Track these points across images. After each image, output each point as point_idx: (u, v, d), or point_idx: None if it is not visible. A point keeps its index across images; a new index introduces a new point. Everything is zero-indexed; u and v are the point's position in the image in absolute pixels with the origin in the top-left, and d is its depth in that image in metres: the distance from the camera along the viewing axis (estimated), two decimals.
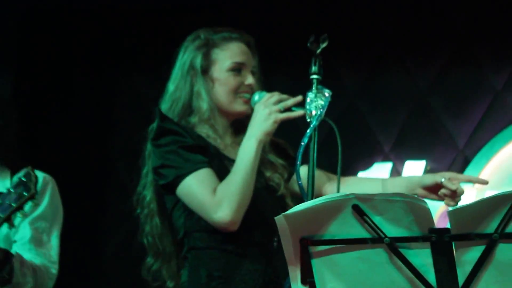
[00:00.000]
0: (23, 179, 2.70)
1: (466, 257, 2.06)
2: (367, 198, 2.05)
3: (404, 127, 5.30)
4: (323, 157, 5.28)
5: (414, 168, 5.19)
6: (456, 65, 5.23)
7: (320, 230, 2.09)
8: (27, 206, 2.69)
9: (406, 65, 5.34)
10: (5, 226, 2.81)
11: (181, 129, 3.19)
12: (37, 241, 3.17)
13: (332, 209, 2.06)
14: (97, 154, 5.78)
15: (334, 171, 5.19)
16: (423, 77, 5.30)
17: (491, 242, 2.04)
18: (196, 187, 3.11)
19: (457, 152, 5.18)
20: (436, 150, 5.22)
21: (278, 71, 5.03)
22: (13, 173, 3.22)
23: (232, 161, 3.24)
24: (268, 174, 3.27)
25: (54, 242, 3.23)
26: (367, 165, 5.29)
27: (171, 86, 3.34)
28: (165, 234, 3.30)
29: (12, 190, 2.70)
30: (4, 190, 2.91)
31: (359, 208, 2.05)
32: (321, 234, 2.09)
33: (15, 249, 3.12)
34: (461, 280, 2.06)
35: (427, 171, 5.15)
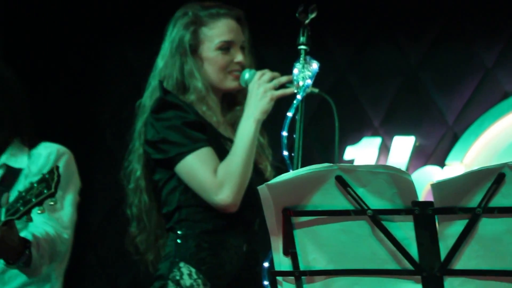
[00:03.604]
0: (47, 176, 2.82)
1: (449, 231, 2.04)
2: (351, 169, 2.04)
3: (393, 102, 5.30)
4: (311, 131, 5.35)
5: (403, 144, 5.19)
6: (447, 40, 5.23)
7: (303, 200, 2.07)
8: (46, 203, 2.81)
9: (396, 40, 5.33)
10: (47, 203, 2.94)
11: (184, 104, 3.19)
12: (49, 206, 3.09)
13: (315, 180, 2.05)
14: (85, 122, 5.77)
15: (322, 144, 5.25)
16: (413, 52, 5.30)
17: (474, 216, 2.02)
18: (198, 167, 3.11)
19: (446, 128, 5.19)
20: (425, 126, 5.23)
21: (267, 42, 5.00)
22: (30, 149, 3.29)
23: (227, 139, 3.24)
24: (256, 156, 3.26)
25: (67, 208, 3.27)
26: (356, 140, 5.31)
27: (160, 62, 3.33)
28: (151, 208, 3.31)
29: (35, 185, 2.82)
30: (22, 166, 3.21)
31: (343, 179, 2.04)
32: (303, 205, 2.08)
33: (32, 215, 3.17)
34: (443, 253, 2.05)
35: (416, 146, 5.15)
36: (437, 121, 5.21)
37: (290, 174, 2.06)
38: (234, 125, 3.30)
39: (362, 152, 5.22)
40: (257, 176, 3.22)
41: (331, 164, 2.03)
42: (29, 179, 3.12)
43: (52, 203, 2.81)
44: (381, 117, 5.31)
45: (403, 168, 5.10)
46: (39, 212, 2.81)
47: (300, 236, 2.09)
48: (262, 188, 2.06)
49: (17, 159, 3.28)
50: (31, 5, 5.64)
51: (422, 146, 5.20)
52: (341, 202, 2.06)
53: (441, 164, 5.12)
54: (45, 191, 2.79)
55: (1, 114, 3.27)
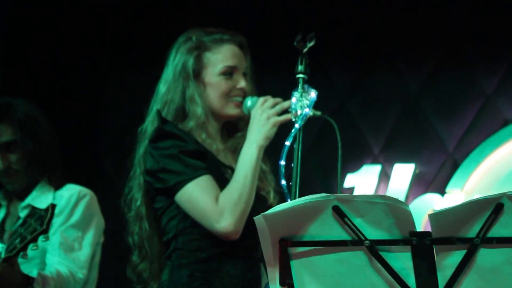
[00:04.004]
0: (42, 213, 2.96)
1: (447, 261, 2.03)
2: (348, 199, 2.02)
3: (393, 129, 5.29)
4: (312, 159, 5.33)
5: (403, 171, 5.18)
6: (447, 67, 5.23)
7: (300, 231, 2.05)
8: (40, 239, 2.95)
9: (396, 67, 5.32)
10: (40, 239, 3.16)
11: (182, 133, 3.17)
12: (66, 247, 3.36)
13: (312, 210, 2.03)
14: (86, 151, 5.75)
15: (322, 172, 5.23)
16: (413, 79, 5.29)
17: (472, 247, 2.01)
18: (198, 194, 3.10)
19: (446, 156, 5.17)
20: (425, 153, 5.21)
21: (267, 70, 5.00)
22: (55, 190, 3.45)
23: (227, 167, 3.22)
24: (258, 182, 3.25)
25: (86, 249, 3.40)
26: (356, 167, 5.28)
27: (162, 88, 3.33)
28: (153, 236, 3.29)
29: (32, 222, 2.96)
30: (44, 206, 3.19)
31: (340, 209, 2.02)
32: (300, 235, 2.06)
33: (47, 255, 3.36)
34: (441, 284, 2.03)
35: (416, 174, 5.14)
36: (437, 149, 5.19)
37: (287, 204, 2.04)
38: (235, 152, 3.29)
39: (362, 179, 5.21)
40: (260, 202, 3.20)
41: (328, 194, 2.02)
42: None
43: (44, 239, 2.91)
44: (381, 145, 5.29)
45: (403, 195, 5.09)
46: (33, 248, 2.91)
47: (297, 266, 2.07)
48: (258, 219, 2.04)
49: (42, 200, 3.41)
50: (30, 34, 5.64)
51: (422, 173, 5.18)
52: (339, 233, 2.04)
53: (442, 191, 5.10)
54: (38, 227, 2.89)
55: (31, 154, 3.42)
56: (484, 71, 5.16)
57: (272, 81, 4.79)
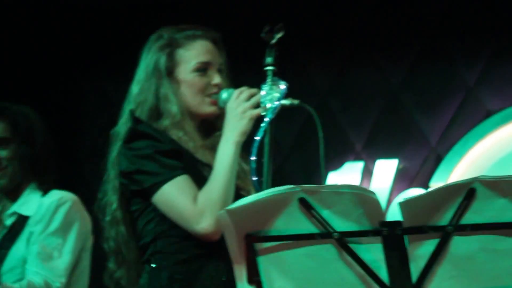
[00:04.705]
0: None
1: (420, 251, 1.95)
2: (314, 190, 1.94)
3: (375, 125, 5.26)
4: (294, 159, 5.27)
5: (386, 167, 5.14)
6: (428, 61, 5.21)
7: (266, 225, 1.97)
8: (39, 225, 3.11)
9: (377, 62, 5.30)
10: (22, 248, 3.31)
11: (156, 133, 3.09)
12: (45, 256, 3.34)
13: (278, 203, 1.95)
14: (64, 157, 5.67)
15: (305, 172, 5.18)
16: (394, 74, 5.27)
17: (445, 235, 1.93)
18: (176, 195, 3.00)
19: (429, 150, 5.15)
20: (408, 148, 5.19)
21: (244, 66, 4.95)
22: (43, 195, 3.46)
23: (205, 165, 3.14)
24: (238, 181, 3.16)
25: (66, 256, 3.37)
26: (338, 165, 5.26)
27: (135, 88, 3.24)
28: (130, 240, 3.20)
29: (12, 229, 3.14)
30: (30, 214, 3.37)
31: (306, 201, 1.94)
32: (267, 230, 1.98)
33: (26, 265, 3.37)
34: (414, 275, 1.95)
35: (399, 169, 5.09)
36: (420, 143, 5.17)
37: (251, 198, 1.96)
38: (213, 149, 3.19)
39: (345, 177, 5.16)
40: None
41: (294, 186, 1.94)
42: (30, 228, 3.35)
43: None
44: (363, 141, 5.26)
45: (387, 191, 5.05)
46: None
47: (264, 263, 1.99)
48: (221, 214, 1.96)
49: (28, 206, 3.43)
50: (5, 39, 5.58)
51: (406, 168, 5.15)
52: (306, 226, 1.96)
53: (426, 186, 5.06)
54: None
55: (22, 154, 3.44)
56: (464, 63, 5.15)
57: (249, 75, 4.74)
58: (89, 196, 4.71)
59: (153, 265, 3.07)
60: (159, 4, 5.47)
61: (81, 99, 5.76)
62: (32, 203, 3.43)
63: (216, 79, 3.17)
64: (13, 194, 3.48)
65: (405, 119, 5.20)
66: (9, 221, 3.42)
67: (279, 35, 2.80)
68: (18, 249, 3.38)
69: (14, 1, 5.53)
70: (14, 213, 3.43)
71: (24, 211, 3.40)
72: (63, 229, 3.39)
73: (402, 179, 5.13)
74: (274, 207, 1.96)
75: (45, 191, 3.46)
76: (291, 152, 5.36)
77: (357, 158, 5.25)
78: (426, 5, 5.18)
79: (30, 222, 3.39)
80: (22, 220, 3.41)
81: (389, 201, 5.06)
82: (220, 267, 3.07)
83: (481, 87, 5.10)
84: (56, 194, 3.47)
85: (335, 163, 5.23)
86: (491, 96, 5.08)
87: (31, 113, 3.58)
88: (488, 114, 5.07)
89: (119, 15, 5.59)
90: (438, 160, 5.11)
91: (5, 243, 3.39)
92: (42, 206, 3.40)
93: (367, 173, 5.18)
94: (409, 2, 5.22)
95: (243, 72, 4.56)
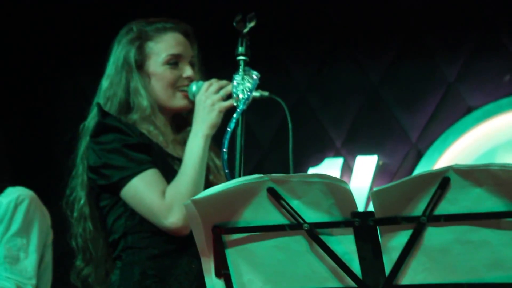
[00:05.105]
0: None
1: (393, 243, 1.88)
2: (283, 179, 1.87)
3: (355, 121, 5.22)
4: (273, 156, 5.22)
5: (366, 163, 5.10)
6: (408, 56, 5.17)
7: (234, 216, 1.91)
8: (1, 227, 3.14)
9: (356, 57, 5.26)
10: None
11: (124, 126, 3.02)
12: (12, 259, 3.29)
13: (246, 193, 1.88)
14: (41, 154, 5.63)
15: (284, 169, 5.12)
16: (373, 70, 5.23)
17: (418, 226, 1.86)
18: (144, 190, 2.95)
19: (410, 146, 5.11)
20: (388, 144, 5.15)
21: (216, 57, 4.91)
22: None
23: (175, 159, 3.08)
24: (211, 177, 3.10)
25: (32, 256, 3.32)
26: (318, 161, 5.21)
27: (104, 83, 3.19)
28: (97, 237, 3.14)
29: None
30: None
31: (275, 191, 1.87)
32: (235, 221, 1.91)
33: None
34: (387, 268, 1.89)
35: (379, 166, 5.05)
36: (400, 139, 5.13)
37: (218, 187, 1.89)
38: (185, 144, 3.13)
39: (325, 173, 5.10)
40: None
41: (262, 175, 1.87)
42: None
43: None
44: (343, 137, 5.22)
45: (367, 188, 5.01)
46: None
47: (232, 255, 1.92)
48: (188, 205, 1.89)
49: None
50: None
51: (386, 165, 5.12)
52: (275, 217, 1.90)
53: None
54: None
55: None
56: (445, 59, 5.11)
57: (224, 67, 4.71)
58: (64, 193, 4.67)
59: (124, 260, 3.01)
60: (138, 1, 5.41)
61: (57, 95, 5.69)
62: None
63: (188, 71, 3.11)
64: None
65: (385, 115, 5.16)
66: None
67: (251, 24, 2.75)
68: None
69: None
70: None
71: None
72: (25, 228, 3.35)
73: (383, 176, 5.09)
74: (242, 197, 1.89)
75: (0, 189, 3.42)
76: (271, 149, 5.31)
77: (336, 154, 5.21)
78: (406, 0, 5.14)
79: None
80: None
81: (369, 198, 5.02)
82: (194, 263, 3.01)
83: (461, 83, 5.06)
84: (12, 193, 3.40)
85: (315, 159, 5.19)
86: (471, 92, 5.05)
87: None
88: (469, 110, 5.02)
89: (96, 10, 5.53)
90: (418, 156, 5.07)
91: None
92: (0, 207, 3.36)
93: (347, 169, 5.14)
94: None
95: (218, 64, 4.53)
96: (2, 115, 5.59)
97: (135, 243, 3.03)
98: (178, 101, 3.13)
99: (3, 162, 3.52)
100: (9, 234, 3.33)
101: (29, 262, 3.31)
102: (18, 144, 5.57)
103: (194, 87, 3.06)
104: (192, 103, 3.09)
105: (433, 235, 1.87)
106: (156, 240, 3.01)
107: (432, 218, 1.86)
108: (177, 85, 3.12)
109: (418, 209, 1.87)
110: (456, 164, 1.84)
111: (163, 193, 2.95)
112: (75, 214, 3.16)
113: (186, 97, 3.11)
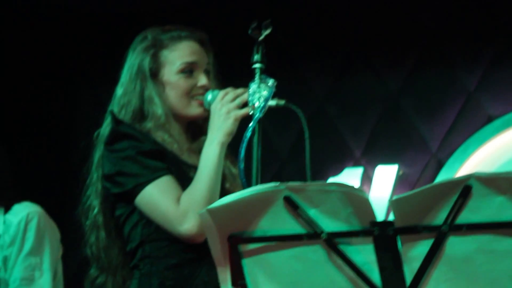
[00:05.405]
0: None
1: (413, 253, 1.84)
2: (300, 188, 1.83)
3: (374, 131, 5.20)
4: (291, 165, 5.18)
5: (386, 173, 5.07)
6: (427, 65, 5.16)
7: (250, 226, 1.87)
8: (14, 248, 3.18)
9: (375, 67, 5.24)
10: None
11: (138, 134, 2.99)
12: (28, 280, 3.34)
13: (262, 202, 1.84)
14: (59, 165, 5.62)
15: (305, 174, 5.09)
16: (393, 79, 5.22)
17: (440, 235, 1.81)
18: (158, 197, 2.91)
19: (430, 156, 5.08)
20: (408, 154, 5.13)
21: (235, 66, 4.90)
22: (5, 212, 3.44)
23: (191, 167, 3.04)
24: (227, 185, 3.06)
25: (47, 274, 3.37)
26: (337, 171, 5.19)
27: (119, 90, 3.16)
28: (111, 246, 3.11)
29: None
30: None
31: (292, 200, 1.83)
32: (251, 231, 1.87)
33: None
34: (408, 278, 1.84)
35: (399, 175, 5.01)
36: (420, 149, 5.10)
37: (233, 196, 1.85)
38: (200, 152, 3.10)
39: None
40: None
41: (278, 183, 1.83)
42: (4, 251, 3.34)
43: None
44: (363, 147, 5.20)
45: (387, 198, 4.98)
46: None
47: (249, 265, 1.88)
48: (203, 214, 1.86)
49: None
50: (3, 46, 5.53)
51: (406, 174, 5.09)
52: (292, 226, 1.85)
53: None
54: None
55: None
56: (465, 68, 5.10)
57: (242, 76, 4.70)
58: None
59: (142, 270, 2.98)
60: (154, 10, 5.41)
61: (76, 106, 5.69)
62: None
63: (202, 80, 3.08)
64: None
65: (405, 124, 5.13)
66: None
67: (266, 32, 2.71)
68: None
69: (10, 8, 5.47)
70: None
71: None
72: (38, 247, 3.40)
73: (403, 186, 5.06)
74: (258, 206, 1.85)
75: (6, 207, 3.44)
76: (289, 158, 5.28)
77: (356, 164, 5.19)
78: (425, 9, 5.13)
79: (1, 243, 3.39)
80: None
81: (390, 208, 4.97)
82: (213, 272, 2.96)
83: (481, 92, 5.04)
84: (21, 211, 3.44)
85: (334, 169, 5.17)
86: (492, 101, 5.02)
87: None
88: (489, 119, 5.01)
89: (115, 21, 5.53)
90: (439, 166, 5.05)
91: None
92: (10, 226, 3.38)
93: (367, 179, 5.12)
94: (409, 6, 5.16)
95: (235, 73, 4.51)
96: (18, 127, 5.61)
97: (153, 252, 2.99)
98: (193, 109, 3.10)
99: (7, 179, 3.52)
100: (22, 254, 3.36)
101: (44, 281, 3.35)
102: (36, 154, 5.57)
103: (209, 96, 3.03)
104: (207, 111, 3.06)
105: (455, 244, 1.82)
106: (174, 249, 2.97)
107: (454, 227, 1.81)
108: (191, 94, 3.09)
109: (439, 218, 1.82)
110: (477, 172, 1.79)
111: (178, 200, 2.92)
112: (88, 222, 3.14)
113: (201, 105, 3.08)
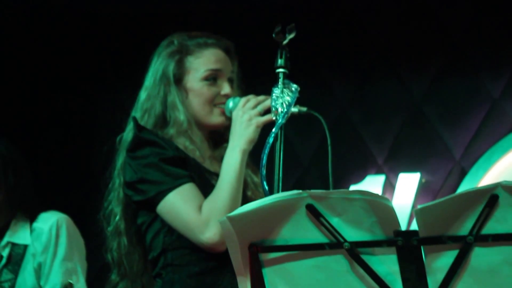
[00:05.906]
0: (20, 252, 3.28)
1: (438, 264, 1.80)
2: (323, 196, 1.80)
3: (397, 138, 5.16)
4: (314, 169, 5.15)
5: (409, 181, 5.04)
6: (451, 72, 5.12)
7: (271, 234, 1.83)
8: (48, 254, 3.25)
9: (399, 73, 5.21)
10: (30, 280, 3.34)
11: (161, 140, 2.97)
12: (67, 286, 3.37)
13: (284, 210, 1.81)
14: (80, 170, 5.62)
15: (324, 185, 5.06)
16: (416, 86, 5.19)
17: (465, 246, 1.78)
18: (180, 205, 2.89)
19: (453, 164, 5.04)
20: (431, 162, 5.10)
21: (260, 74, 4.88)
22: (31, 222, 3.45)
23: (213, 174, 3.02)
24: (249, 193, 3.04)
25: (82, 279, 3.42)
26: (359, 178, 5.17)
27: (142, 94, 3.14)
28: (132, 252, 3.09)
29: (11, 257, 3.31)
30: (27, 242, 3.39)
31: (314, 208, 1.80)
32: (272, 239, 1.84)
33: None
34: None
35: (422, 183, 4.97)
36: (443, 156, 5.07)
37: (255, 204, 1.82)
38: (222, 160, 3.07)
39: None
40: None
41: (300, 191, 1.79)
42: (37, 259, 3.35)
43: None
44: (385, 154, 5.17)
45: (409, 206, 4.94)
46: None
47: (270, 275, 1.85)
48: (223, 222, 1.83)
49: (20, 235, 3.42)
50: (21, 52, 5.55)
51: (429, 182, 5.06)
52: (314, 235, 1.82)
53: None
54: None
55: (12, 192, 3.43)
56: (489, 75, 5.06)
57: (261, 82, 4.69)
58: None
59: (165, 278, 2.96)
60: (177, 13, 5.40)
61: (97, 110, 5.69)
62: (23, 231, 3.43)
63: (226, 89, 3.06)
64: (1, 230, 3.45)
65: (428, 132, 5.11)
66: (4, 252, 3.40)
67: (290, 36, 2.68)
68: (25, 280, 3.38)
69: (32, 12, 5.48)
70: (8, 243, 3.41)
71: (19, 240, 3.40)
72: (71, 252, 3.43)
73: (425, 194, 5.03)
74: (279, 214, 1.82)
75: (31, 216, 3.46)
76: (311, 165, 5.26)
77: (378, 171, 5.16)
78: (449, 16, 5.09)
79: (32, 251, 3.40)
80: (18, 249, 3.40)
81: (412, 216, 4.94)
82: (236, 281, 2.93)
83: (506, 99, 5.01)
84: (49, 218, 3.45)
85: (356, 176, 5.14)
86: None
87: (12, 145, 3.54)
88: None
89: (137, 24, 5.52)
90: (462, 174, 5.02)
91: (7, 275, 3.38)
92: (41, 234, 3.40)
93: (389, 186, 5.09)
94: (433, 12, 5.13)
95: (258, 80, 4.48)
96: (40, 132, 5.61)
97: (175, 260, 2.97)
98: (215, 118, 3.07)
99: (31, 190, 3.53)
100: (58, 260, 3.39)
101: (82, 285, 3.39)
102: (57, 161, 5.57)
103: (231, 103, 3.00)
104: (229, 119, 3.03)
105: (480, 255, 1.79)
106: (196, 257, 2.95)
107: (479, 238, 1.78)
108: (214, 102, 3.07)
109: (465, 228, 1.79)
110: (505, 181, 1.75)
111: (200, 208, 2.90)
112: (110, 228, 3.12)
113: (223, 113, 3.05)
